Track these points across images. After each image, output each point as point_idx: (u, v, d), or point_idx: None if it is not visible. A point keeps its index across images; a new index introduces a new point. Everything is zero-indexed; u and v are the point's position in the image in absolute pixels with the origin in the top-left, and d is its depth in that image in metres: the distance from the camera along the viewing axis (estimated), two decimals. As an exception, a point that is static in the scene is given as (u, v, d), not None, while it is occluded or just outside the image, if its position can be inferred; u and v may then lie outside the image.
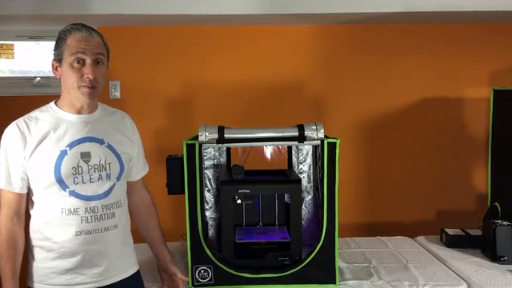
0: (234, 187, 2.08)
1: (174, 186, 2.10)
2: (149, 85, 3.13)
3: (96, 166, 1.61)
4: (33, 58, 3.17)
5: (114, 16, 2.76)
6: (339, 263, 2.23)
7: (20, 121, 1.58)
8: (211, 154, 2.36)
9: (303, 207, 2.36)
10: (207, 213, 2.32)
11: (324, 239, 2.05)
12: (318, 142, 2.05)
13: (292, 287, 2.06)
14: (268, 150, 2.36)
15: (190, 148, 2.02)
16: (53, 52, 1.61)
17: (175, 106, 3.14)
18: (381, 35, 3.14)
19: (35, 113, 1.62)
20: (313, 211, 2.36)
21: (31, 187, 1.59)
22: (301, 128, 2.06)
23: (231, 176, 2.13)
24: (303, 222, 2.29)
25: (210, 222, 2.35)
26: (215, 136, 2.04)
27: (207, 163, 2.34)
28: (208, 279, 2.06)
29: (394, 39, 3.16)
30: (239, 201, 2.16)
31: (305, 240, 2.24)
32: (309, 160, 2.39)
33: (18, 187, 1.57)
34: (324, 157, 2.03)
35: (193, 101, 3.15)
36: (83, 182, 1.59)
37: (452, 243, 2.51)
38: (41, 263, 1.61)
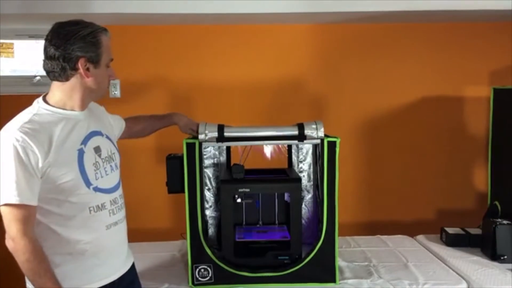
0: (234, 186, 2.08)
1: (174, 185, 2.10)
2: (149, 84, 3.13)
3: (106, 158, 1.64)
4: (33, 57, 3.17)
5: (114, 15, 2.75)
6: (339, 262, 2.23)
7: (25, 129, 1.45)
8: (211, 153, 2.36)
9: (303, 206, 2.36)
10: (207, 212, 2.32)
11: (324, 238, 2.05)
12: (318, 141, 2.05)
13: (292, 286, 2.07)
14: (268, 149, 2.36)
15: (190, 147, 2.03)
16: (84, 53, 1.54)
17: (175, 104, 3.14)
18: (381, 34, 3.14)
19: (32, 117, 1.51)
20: (313, 210, 2.36)
21: (48, 196, 1.49)
22: (301, 127, 2.06)
23: (231, 175, 2.13)
24: (303, 221, 2.29)
25: (210, 221, 2.35)
26: (215, 134, 2.04)
27: (207, 162, 2.34)
28: (208, 278, 2.06)
29: (394, 38, 3.16)
30: (239, 200, 2.16)
31: (305, 239, 2.25)
32: (309, 159, 2.39)
33: (36, 200, 1.47)
34: (324, 156, 2.03)
35: (193, 99, 3.15)
36: (101, 176, 1.59)
37: (452, 242, 2.51)
38: (73, 267, 1.55)
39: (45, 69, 1.57)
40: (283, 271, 2.05)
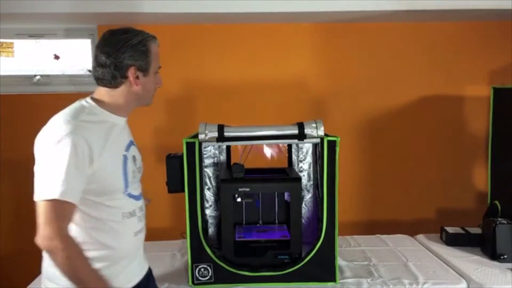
0: (234, 185, 2.08)
1: (174, 185, 2.10)
2: (149, 83, 3.12)
3: (138, 168, 1.65)
4: (32, 56, 3.17)
5: (114, 15, 2.75)
6: (339, 261, 2.23)
7: (83, 126, 1.42)
8: (211, 153, 2.36)
9: (303, 205, 2.36)
10: (207, 212, 2.32)
11: (324, 237, 2.05)
12: (318, 140, 2.05)
13: (292, 285, 2.07)
14: (268, 148, 2.37)
15: (190, 146, 2.03)
16: (134, 61, 1.53)
17: (175, 104, 3.14)
18: (381, 34, 3.14)
19: (84, 116, 1.47)
20: (313, 209, 2.36)
21: (87, 197, 1.44)
22: (301, 126, 2.06)
23: (231, 174, 2.13)
24: (303, 221, 2.29)
25: (210, 221, 2.35)
26: (215, 134, 2.04)
27: (207, 161, 2.34)
28: (208, 277, 2.06)
29: (394, 38, 3.15)
30: (239, 200, 2.16)
31: (305, 238, 2.24)
32: (309, 158, 2.39)
33: (79, 199, 1.41)
34: (324, 155, 2.03)
35: (193, 99, 3.14)
36: (133, 184, 1.59)
37: (452, 241, 2.51)
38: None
39: (95, 76, 1.57)
40: (283, 270, 2.05)
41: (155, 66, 1.61)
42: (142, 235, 1.66)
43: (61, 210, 1.36)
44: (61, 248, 1.35)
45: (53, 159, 1.37)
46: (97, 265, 1.45)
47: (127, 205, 1.56)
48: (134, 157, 1.62)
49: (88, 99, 1.56)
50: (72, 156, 1.36)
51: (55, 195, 1.34)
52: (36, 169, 1.40)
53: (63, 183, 1.35)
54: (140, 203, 1.64)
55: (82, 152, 1.38)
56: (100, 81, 1.56)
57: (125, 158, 1.55)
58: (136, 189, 1.62)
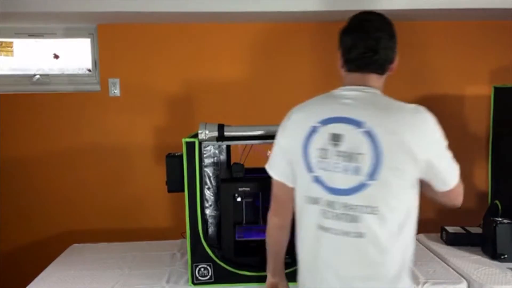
0: (234, 185, 2.08)
1: (173, 184, 2.10)
2: (148, 83, 3.12)
3: None
4: (32, 55, 3.17)
5: (114, 14, 2.75)
6: (339, 261, 2.22)
7: None
8: (211, 152, 2.36)
9: (303, 205, 2.35)
10: (207, 211, 2.32)
11: (324, 237, 2.04)
12: (318, 140, 2.04)
13: (292, 285, 2.06)
14: (269, 147, 2.35)
15: (190, 146, 2.02)
16: (396, 46, 1.48)
17: (175, 104, 3.13)
18: (381, 33, 3.13)
19: None
20: (313, 209, 2.35)
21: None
22: (301, 126, 2.05)
23: (231, 174, 2.13)
24: (303, 220, 2.28)
25: (210, 220, 2.34)
26: (215, 134, 2.04)
27: (207, 161, 2.33)
28: (208, 277, 2.06)
29: (394, 37, 3.15)
30: (239, 199, 2.16)
31: (305, 238, 2.24)
32: (309, 158, 2.38)
33: None
34: (324, 155, 2.02)
35: (193, 99, 3.14)
36: None
37: (452, 241, 2.51)
38: None
39: (368, 60, 1.45)
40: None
41: None
42: None
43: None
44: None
45: (447, 148, 1.58)
46: None
47: None
48: None
49: (375, 89, 1.47)
50: None
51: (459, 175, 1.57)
52: (444, 160, 1.60)
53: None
54: None
55: None
56: (373, 66, 1.45)
57: None
58: None
